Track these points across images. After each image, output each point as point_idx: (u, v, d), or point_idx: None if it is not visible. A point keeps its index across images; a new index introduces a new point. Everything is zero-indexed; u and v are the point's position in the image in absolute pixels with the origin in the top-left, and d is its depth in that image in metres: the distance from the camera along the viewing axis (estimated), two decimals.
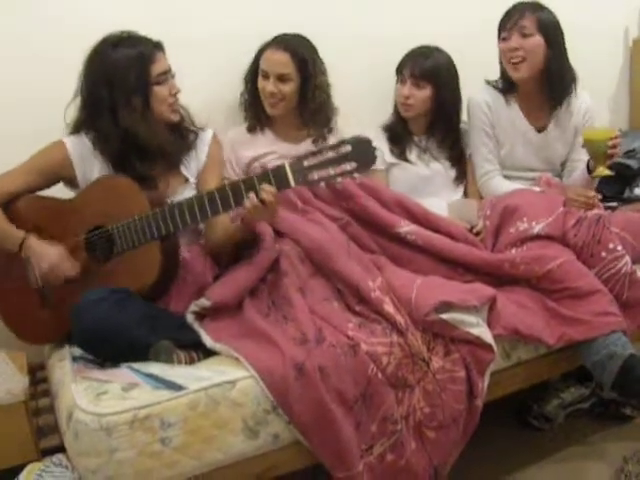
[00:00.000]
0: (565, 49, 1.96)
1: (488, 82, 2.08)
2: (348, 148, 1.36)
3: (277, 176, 1.41)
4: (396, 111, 2.09)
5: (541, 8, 1.94)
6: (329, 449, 1.36)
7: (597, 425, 1.87)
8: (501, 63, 2.01)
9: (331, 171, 1.37)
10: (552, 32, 1.92)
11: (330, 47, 1.93)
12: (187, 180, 1.71)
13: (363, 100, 2.15)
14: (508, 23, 1.93)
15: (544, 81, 1.98)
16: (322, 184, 1.39)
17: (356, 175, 1.38)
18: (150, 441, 1.27)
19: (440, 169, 2.08)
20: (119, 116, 1.55)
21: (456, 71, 2.04)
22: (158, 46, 1.60)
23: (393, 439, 1.41)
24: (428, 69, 1.98)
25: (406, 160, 2.07)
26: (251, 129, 1.96)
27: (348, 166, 1.36)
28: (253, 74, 1.92)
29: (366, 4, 2.18)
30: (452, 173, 2.10)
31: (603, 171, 1.81)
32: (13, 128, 1.74)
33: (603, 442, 1.79)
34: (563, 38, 1.95)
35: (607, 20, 2.58)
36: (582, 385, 1.91)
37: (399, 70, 2.04)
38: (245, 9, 2.00)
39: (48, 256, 1.53)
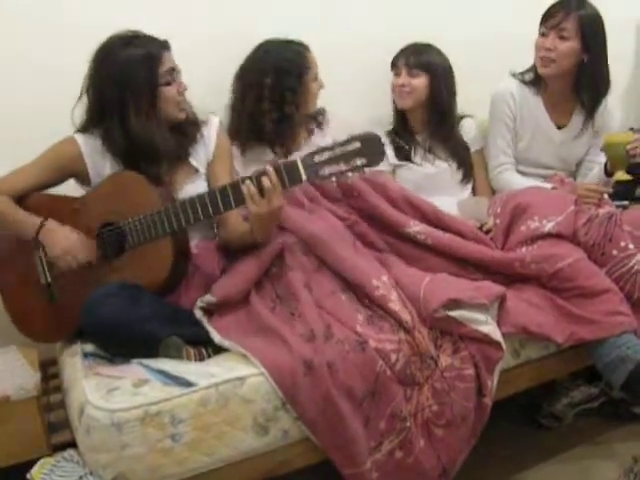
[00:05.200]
0: (604, 53, 1.95)
1: (514, 74, 2.08)
2: (357, 144, 1.39)
3: (289, 171, 1.43)
4: (395, 111, 2.10)
5: (586, 6, 1.92)
6: (337, 445, 1.36)
7: (606, 424, 1.86)
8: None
9: (342, 166, 1.39)
10: (592, 36, 1.91)
11: (326, 49, 1.92)
12: (197, 171, 1.70)
13: (357, 103, 2.14)
14: (550, 20, 1.92)
15: (573, 82, 1.98)
16: (333, 179, 1.42)
17: (366, 170, 1.40)
18: (161, 437, 1.28)
19: (445, 167, 2.09)
20: (126, 118, 1.55)
21: (451, 68, 2.05)
22: (165, 45, 1.60)
23: (402, 436, 1.41)
24: (422, 58, 2.01)
25: (411, 161, 2.08)
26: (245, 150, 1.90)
27: (358, 161, 1.39)
28: (298, 81, 1.85)
29: (358, 5, 2.17)
30: (458, 170, 2.10)
31: (623, 175, 1.81)
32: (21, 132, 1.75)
33: (612, 441, 1.78)
34: (604, 41, 1.94)
35: (618, 17, 2.56)
36: (591, 384, 1.91)
37: (394, 63, 2.06)
38: (236, 10, 1.98)
39: (66, 239, 1.52)
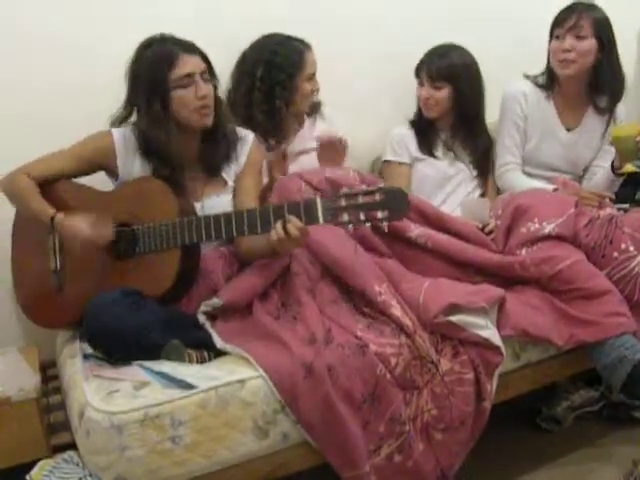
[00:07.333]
0: (617, 54, 1.97)
1: (527, 76, 2.09)
2: (382, 196, 1.36)
3: (307, 210, 1.42)
4: (419, 110, 2.11)
5: (596, 9, 1.95)
6: (336, 449, 1.36)
7: (606, 428, 1.86)
8: (548, 59, 2.02)
9: (361, 216, 1.37)
10: (606, 35, 1.94)
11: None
12: (226, 183, 1.70)
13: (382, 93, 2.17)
14: (565, 23, 1.94)
15: (588, 83, 2.00)
16: (350, 227, 1.40)
17: (385, 224, 1.38)
18: (160, 439, 1.28)
19: (463, 168, 2.10)
20: (140, 116, 1.58)
21: (477, 67, 2.04)
22: (186, 48, 1.56)
23: (401, 440, 1.41)
24: (444, 69, 2.00)
25: (432, 156, 2.08)
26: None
27: (379, 214, 1.36)
28: (289, 78, 1.85)
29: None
30: (475, 177, 2.12)
31: (631, 168, 1.81)
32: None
33: (612, 445, 1.78)
34: (615, 42, 1.97)
35: (622, 19, 2.56)
36: (591, 388, 1.91)
37: (417, 73, 2.06)
38: (254, 8, 1.99)
39: (80, 231, 1.52)
